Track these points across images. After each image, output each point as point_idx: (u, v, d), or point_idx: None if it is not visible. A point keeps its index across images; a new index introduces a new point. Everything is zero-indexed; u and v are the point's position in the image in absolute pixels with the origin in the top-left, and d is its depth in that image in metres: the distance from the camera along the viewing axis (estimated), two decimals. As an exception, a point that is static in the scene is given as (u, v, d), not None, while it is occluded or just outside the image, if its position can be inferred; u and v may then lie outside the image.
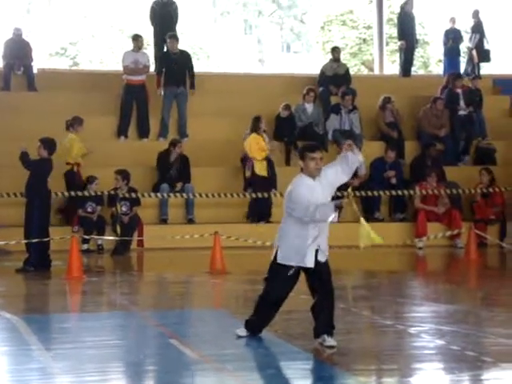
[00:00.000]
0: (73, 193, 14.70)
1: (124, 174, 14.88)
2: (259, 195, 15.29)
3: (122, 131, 17.20)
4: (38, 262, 11.93)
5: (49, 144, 12.12)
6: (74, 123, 15.42)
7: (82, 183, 15.04)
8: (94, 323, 8.23)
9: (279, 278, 6.92)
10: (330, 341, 6.74)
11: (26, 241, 12.00)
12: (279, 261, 6.94)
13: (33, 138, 12.61)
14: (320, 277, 6.90)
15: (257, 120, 15.70)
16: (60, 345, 7.21)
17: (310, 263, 6.85)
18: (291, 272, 6.81)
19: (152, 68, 17.79)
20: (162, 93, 17.09)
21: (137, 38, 17.67)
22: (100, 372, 6.24)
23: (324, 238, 7.00)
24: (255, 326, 7.13)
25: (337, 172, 7.00)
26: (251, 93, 18.41)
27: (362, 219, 6.91)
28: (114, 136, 17.25)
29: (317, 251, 6.89)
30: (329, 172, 6.97)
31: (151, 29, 18.77)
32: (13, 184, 13.88)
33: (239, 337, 7.12)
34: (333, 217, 6.72)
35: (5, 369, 6.46)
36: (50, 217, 12.26)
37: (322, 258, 6.92)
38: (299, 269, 6.88)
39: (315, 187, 6.89)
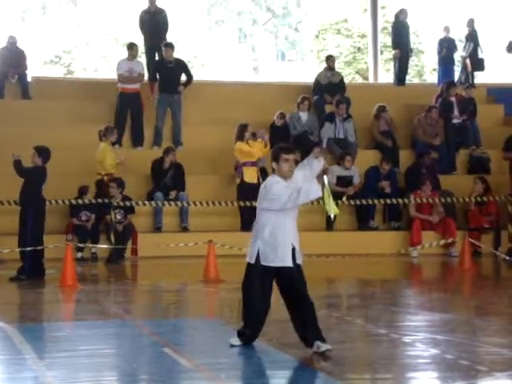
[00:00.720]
0: (67, 201, 14.68)
1: (119, 183, 14.88)
2: (250, 203, 15.24)
3: (115, 140, 17.16)
4: (31, 270, 11.90)
5: (43, 152, 12.11)
6: (106, 133, 15.42)
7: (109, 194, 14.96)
8: (87, 332, 8.20)
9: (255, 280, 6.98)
10: (324, 346, 6.74)
11: (19, 249, 11.97)
12: (251, 260, 7.01)
13: (27, 146, 12.60)
14: (292, 283, 6.90)
15: (242, 128, 15.67)
16: (54, 353, 7.18)
17: (288, 262, 6.85)
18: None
19: (146, 77, 17.79)
20: (157, 98, 17.05)
21: (132, 47, 17.69)
22: (94, 381, 6.22)
23: (297, 237, 6.98)
24: (247, 335, 7.11)
25: (304, 176, 7.02)
26: (246, 101, 18.43)
27: (326, 187, 6.87)
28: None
29: (293, 250, 6.89)
30: (298, 175, 7.01)
31: (142, 37, 18.79)
32: (7, 192, 13.86)
33: (232, 346, 7.09)
34: (326, 179, 6.76)
35: (-2, 378, 6.44)
36: (44, 225, 12.23)
37: (298, 260, 6.91)
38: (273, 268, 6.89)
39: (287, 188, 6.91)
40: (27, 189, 12.06)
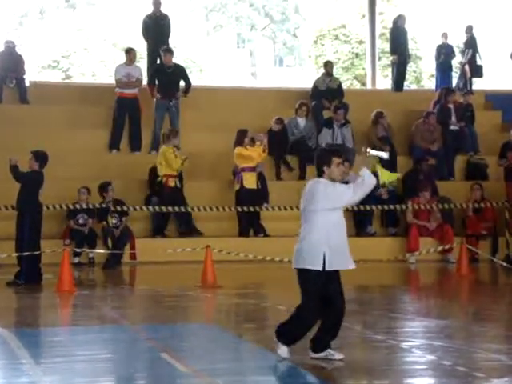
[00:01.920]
0: (64, 205, 14.66)
1: (111, 186, 14.90)
2: (247, 209, 15.23)
3: (113, 144, 17.20)
4: (28, 275, 11.88)
5: (40, 157, 12.09)
6: (169, 135, 15.50)
7: (169, 195, 15.16)
8: (84, 337, 8.19)
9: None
10: (337, 354, 6.80)
11: (17, 254, 11.96)
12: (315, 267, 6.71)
13: (24, 150, 12.58)
14: (339, 285, 6.83)
15: (241, 133, 15.67)
16: (50, 359, 7.17)
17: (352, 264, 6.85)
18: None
19: (145, 81, 17.80)
20: (159, 97, 17.02)
21: (129, 52, 17.71)
22: (90, 386, 6.21)
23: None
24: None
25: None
26: (244, 106, 18.44)
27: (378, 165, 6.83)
28: (106, 149, 17.24)
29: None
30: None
31: (144, 42, 18.81)
32: (4, 196, 13.83)
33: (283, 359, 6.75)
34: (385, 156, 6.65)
35: (-5, 383, 6.43)
36: (41, 230, 12.22)
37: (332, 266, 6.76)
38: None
39: None
40: (24, 194, 12.05)
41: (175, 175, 15.46)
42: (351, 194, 6.68)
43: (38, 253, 11.94)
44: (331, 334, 6.82)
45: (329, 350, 6.83)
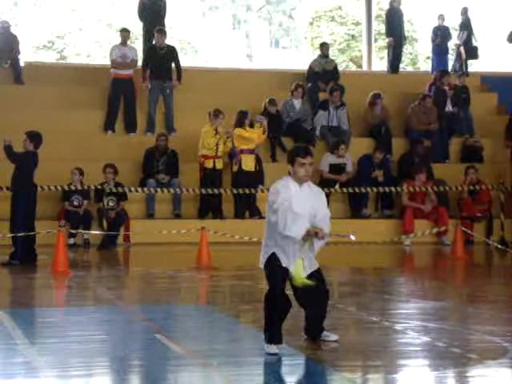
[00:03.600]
0: (59, 187, 14.64)
1: (115, 169, 14.89)
2: (244, 191, 15.22)
3: (109, 125, 17.14)
4: (23, 255, 11.88)
5: (35, 137, 12.05)
6: (212, 115, 15.49)
7: (205, 176, 15.25)
8: (79, 318, 8.20)
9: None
10: (332, 335, 6.86)
11: (11, 235, 11.95)
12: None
13: (19, 131, 12.54)
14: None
15: (242, 115, 15.63)
16: (45, 339, 7.18)
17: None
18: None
19: (140, 62, 17.73)
20: (149, 86, 17.03)
21: (124, 32, 17.64)
22: (85, 366, 6.22)
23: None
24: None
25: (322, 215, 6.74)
26: (239, 88, 18.38)
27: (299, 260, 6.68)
28: (101, 130, 17.19)
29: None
30: (320, 205, 6.78)
31: (139, 23, 18.72)
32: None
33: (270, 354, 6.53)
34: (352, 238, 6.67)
35: (-11, 363, 6.43)
36: (35, 211, 12.20)
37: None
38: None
39: (300, 194, 6.65)
40: (19, 174, 12.01)
41: (213, 156, 15.33)
42: (281, 227, 6.49)
43: (32, 233, 11.93)
44: (318, 321, 6.86)
45: (324, 332, 6.85)
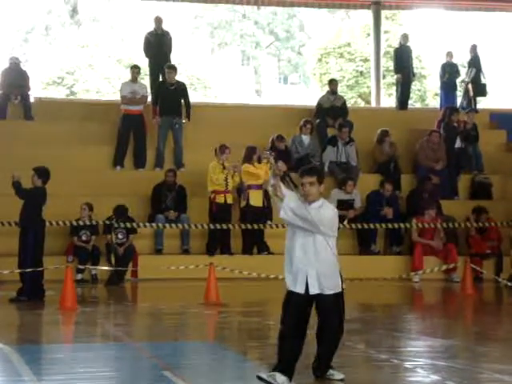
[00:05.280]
0: (68, 222, 14.65)
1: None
2: (253, 226, 15.20)
3: (118, 161, 17.19)
4: (31, 291, 11.85)
5: (43, 173, 12.09)
6: (218, 151, 15.55)
7: (217, 212, 15.20)
8: (87, 354, 8.16)
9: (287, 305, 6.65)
10: (337, 374, 6.76)
11: (19, 270, 11.93)
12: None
13: (28, 167, 12.58)
14: (322, 309, 6.68)
15: (250, 150, 15.67)
16: (53, 376, 7.13)
17: (300, 288, 6.59)
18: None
19: (149, 98, 17.83)
20: (160, 122, 17.11)
21: (134, 69, 17.77)
22: (92, 404, 6.18)
23: (314, 268, 6.58)
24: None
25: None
26: (248, 124, 18.44)
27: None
28: (110, 166, 17.24)
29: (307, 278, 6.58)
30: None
31: (146, 59, 18.86)
32: (8, 212, 13.82)
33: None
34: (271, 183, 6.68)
35: (-4, 400, 6.40)
36: (44, 246, 12.20)
37: (313, 289, 6.59)
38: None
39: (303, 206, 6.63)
40: (27, 210, 12.04)
41: (223, 191, 15.36)
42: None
43: (40, 269, 11.92)
44: (326, 359, 6.80)
45: (330, 370, 6.79)
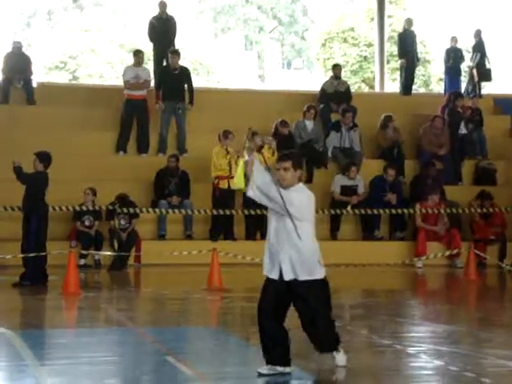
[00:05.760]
0: (71, 207, 14.65)
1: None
2: (256, 212, 15.17)
3: (121, 146, 17.16)
4: (34, 276, 11.86)
5: (44, 158, 12.05)
6: (221, 136, 15.53)
7: (220, 198, 15.17)
8: (90, 339, 8.16)
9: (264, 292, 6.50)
10: (340, 359, 6.59)
11: (22, 255, 11.93)
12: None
13: (31, 151, 12.56)
14: (301, 297, 6.43)
15: (253, 135, 15.59)
16: (56, 360, 7.13)
17: (275, 274, 6.40)
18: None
19: (152, 83, 17.78)
20: (163, 107, 17.07)
21: (137, 53, 17.71)
22: (95, 389, 6.18)
23: (287, 253, 6.37)
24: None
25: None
26: (251, 109, 18.39)
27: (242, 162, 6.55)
28: (113, 151, 17.21)
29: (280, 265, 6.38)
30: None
31: (150, 44, 18.80)
32: (11, 197, 13.83)
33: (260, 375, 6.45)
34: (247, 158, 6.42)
35: (-1, 384, 6.40)
36: (47, 231, 12.19)
37: (286, 275, 6.38)
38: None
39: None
40: (30, 195, 12.02)
41: (227, 176, 15.29)
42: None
43: (43, 254, 11.92)
44: (316, 345, 6.61)
45: (335, 352, 6.62)
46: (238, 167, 6.64)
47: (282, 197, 6.28)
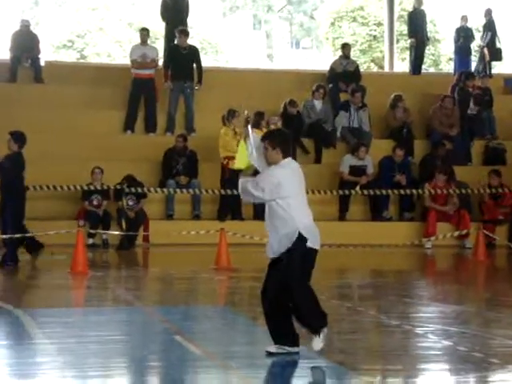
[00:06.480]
0: (78, 187, 14.63)
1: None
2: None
3: (128, 125, 17.13)
4: (15, 256, 11.69)
5: (19, 138, 11.69)
6: (228, 116, 15.41)
7: (230, 177, 14.94)
8: (98, 318, 8.18)
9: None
10: (317, 343, 6.36)
11: (3, 236, 11.70)
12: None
13: (38, 130, 12.53)
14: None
15: (258, 116, 15.56)
16: (64, 339, 7.15)
17: (268, 253, 6.56)
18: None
19: (161, 62, 17.71)
20: (171, 86, 17.01)
21: (142, 31, 17.64)
22: (104, 367, 6.19)
23: (270, 233, 6.51)
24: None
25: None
26: (259, 88, 18.32)
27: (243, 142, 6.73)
28: (121, 130, 17.19)
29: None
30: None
31: (160, 23, 18.71)
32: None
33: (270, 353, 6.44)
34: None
35: (8, 362, 6.41)
36: (24, 212, 11.88)
37: (271, 254, 6.53)
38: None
39: None
40: (6, 177, 11.66)
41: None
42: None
43: (20, 236, 11.67)
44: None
45: (315, 335, 6.39)
46: (239, 148, 6.69)
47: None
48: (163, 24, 18.59)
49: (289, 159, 6.60)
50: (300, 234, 6.36)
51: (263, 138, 6.67)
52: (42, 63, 18.58)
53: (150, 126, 17.17)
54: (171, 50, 17.46)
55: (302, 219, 6.42)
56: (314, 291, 6.37)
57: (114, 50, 42.63)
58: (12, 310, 8.32)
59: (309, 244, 6.37)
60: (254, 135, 6.75)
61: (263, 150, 6.58)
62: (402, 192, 15.79)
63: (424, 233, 15.30)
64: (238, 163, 6.79)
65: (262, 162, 6.61)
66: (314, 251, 6.42)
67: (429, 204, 15.60)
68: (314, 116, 17.14)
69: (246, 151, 6.68)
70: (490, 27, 20.43)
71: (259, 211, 15.48)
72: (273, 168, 6.50)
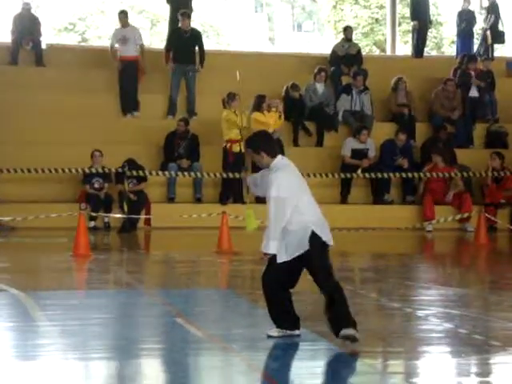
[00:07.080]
0: (80, 170, 14.63)
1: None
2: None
3: (124, 108, 17.03)
4: None
5: None
6: (228, 99, 15.35)
7: (233, 160, 15.02)
8: (100, 300, 8.20)
9: None
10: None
11: None
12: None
13: (40, 112, 12.54)
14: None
15: (259, 99, 15.52)
16: (66, 321, 7.16)
17: None
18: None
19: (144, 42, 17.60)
20: (174, 68, 16.95)
21: (120, 15, 17.57)
22: (106, 349, 6.20)
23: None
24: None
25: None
26: (261, 72, 18.27)
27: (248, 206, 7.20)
28: (122, 113, 17.13)
29: None
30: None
31: (161, 6, 18.61)
32: (19, 159, 13.84)
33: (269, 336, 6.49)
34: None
35: (11, 344, 6.43)
36: None
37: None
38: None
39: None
40: None
41: (239, 139, 15.11)
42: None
43: None
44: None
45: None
46: (247, 212, 7.16)
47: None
48: (169, 7, 18.52)
49: (279, 158, 6.69)
50: (313, 232, 6.43)
51: (245, 147, 6.86)
52: (44, 46, 18.54)
53: (129, 107, 16.98)
54: (173, 32, 17.41)
55: (311, 217, 6.51)
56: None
57: (115, 32, 42.47)
58: (14, 292, 8.33)
59: (324, 239, 6.44)
60: (252, 176, 7.08)
61: (251, 157, 6.78)
62: (404, 175, 15.79)
63: (423, 216, 15.30)
64: (249, 226, 7.25)
65: (263, 189, 6.97)
66: (327, 246, 6.49)
67: (423, 187, 15.60)
68: (316, 99, 17.11)
69: (253, 217, 7.22)
70: (493, 9, 20.34)
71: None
72: (273, 172, 6.69)
